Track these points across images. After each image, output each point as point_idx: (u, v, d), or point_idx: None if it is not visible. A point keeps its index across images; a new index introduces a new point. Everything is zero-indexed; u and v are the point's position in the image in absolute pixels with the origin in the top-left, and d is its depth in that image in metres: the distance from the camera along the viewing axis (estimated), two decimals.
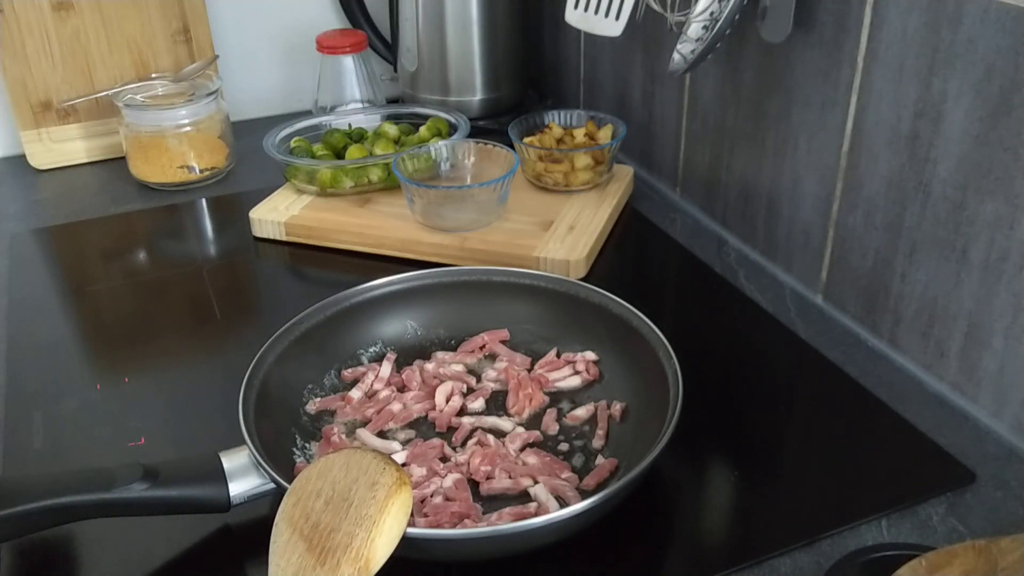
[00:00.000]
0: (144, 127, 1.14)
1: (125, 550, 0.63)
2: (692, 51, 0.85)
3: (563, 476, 0.66)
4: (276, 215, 1.03)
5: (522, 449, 0.69)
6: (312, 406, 0.73)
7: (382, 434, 0.71)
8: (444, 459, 0.69)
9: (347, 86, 1.29)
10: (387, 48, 1.39)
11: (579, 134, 1.08)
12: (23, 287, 0.96)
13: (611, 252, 0.99)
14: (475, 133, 1.14)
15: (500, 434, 0.71)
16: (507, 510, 0.63)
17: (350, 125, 1.16)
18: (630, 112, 1.17)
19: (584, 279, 0.91)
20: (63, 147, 1.24)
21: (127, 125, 1.15)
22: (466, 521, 0.62)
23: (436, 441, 0.70)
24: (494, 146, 1.03)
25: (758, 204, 0.95)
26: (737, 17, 0.80)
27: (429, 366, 0.78)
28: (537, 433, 0.71)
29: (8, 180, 1.23)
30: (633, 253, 1.01)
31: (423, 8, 1.26)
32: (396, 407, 0.73)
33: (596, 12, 0.91)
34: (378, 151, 1.08)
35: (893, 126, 0.75)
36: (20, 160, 1.25)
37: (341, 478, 0.53)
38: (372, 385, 0.76)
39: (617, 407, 0.72)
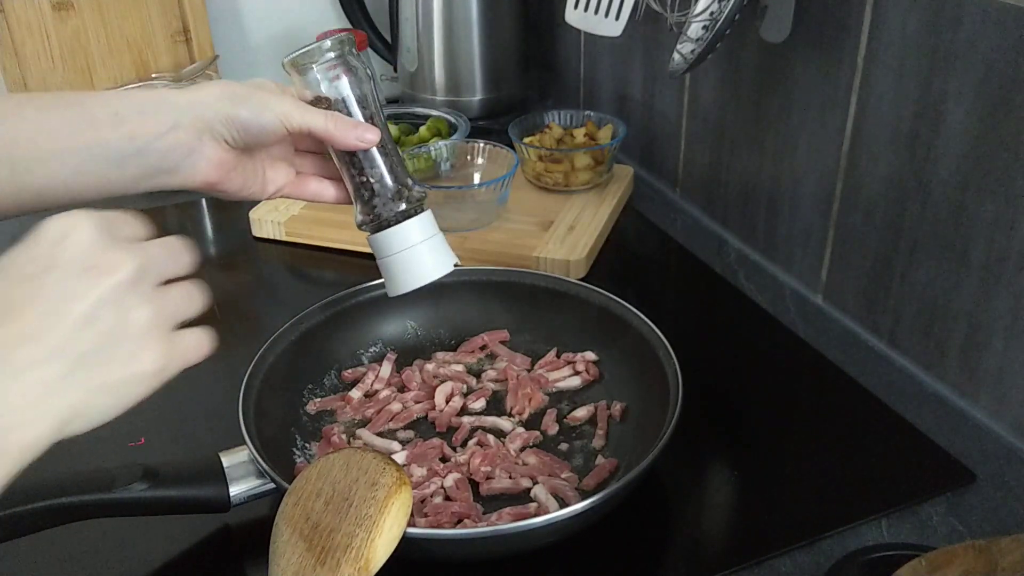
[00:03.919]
0: None
1: (125, 550, 0.63)
2: (692, 51, 0.85)
3: (563, 476, 0.66)
4: (276, 215, 1.03)
5: (522, 449, 0.69)
6: (312, 406, 0.73)
7: (382, 434, 0.71)
8: (444, 459, 0.69)
9: None
10: (387, 48, 1.39)
11: (579, 134, 1.08)
12: None
13: (611, 252, 0.99)
14: (475, 133, 1.14)
15: (500, 434, 0.71)
16: (507, 510, 0.63)
17: None
18: (630, 112, 1.17)
19: (584, 279, 0.90)
20: None
21: None
22: (466, 521, 0.62)
23: (436, 441, 0.70)
24: (494, 146, 1.03)
25: (758, 204, 0.95)
26: (737, 17, 0.80)
27: (429, 366, 0.78)
28: (537, 433, 0.71)
29: None
30: (633, 253, 1.01)
31: (423, 8, 1.26)
32: (396, 407, 0.73)
33: (596, 12, 0.91)
34: None
35: (893, 126, 0.75)
36: None
37: (341, 478, 0.53)
38: (372, 385, 0.76)
39: (617, 407, 0.72)
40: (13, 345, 0.37)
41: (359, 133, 0.58)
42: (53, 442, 0.39)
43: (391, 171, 0.61)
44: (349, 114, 0.60)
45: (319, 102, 0.60)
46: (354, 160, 0.60)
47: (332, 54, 0.60)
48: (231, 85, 0.58)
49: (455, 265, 0.62)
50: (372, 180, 0.60)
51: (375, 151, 0.60)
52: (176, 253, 0.45)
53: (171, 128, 0.54)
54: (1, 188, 0.51)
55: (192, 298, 0.45)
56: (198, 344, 0.45)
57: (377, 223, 0.61)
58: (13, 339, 0.37)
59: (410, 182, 0.62)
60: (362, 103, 0.60)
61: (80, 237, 0.40)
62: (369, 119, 0.60)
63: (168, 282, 0.44)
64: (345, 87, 0.60)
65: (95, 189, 0.54)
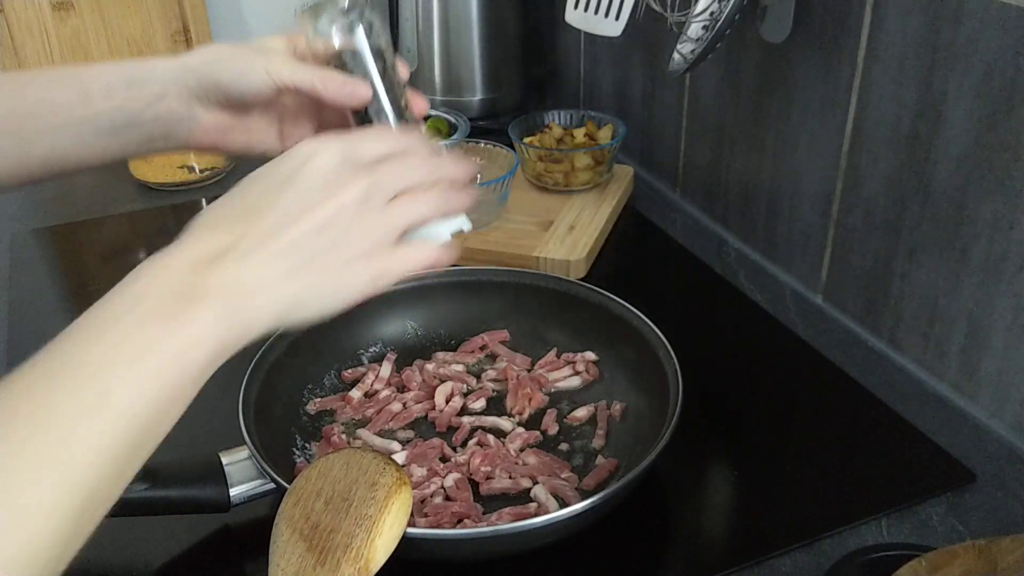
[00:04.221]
0: None
1: (125, 550, 0.63)
2: (692, 51, 0.85)
3: (563, 476, 0.66)
4: None
5: (522, 449, 0.69)
6: (312, 406, 0.74)
7: (382, 434, 0.71)
8: (444, 459, 0.69)
9: None
10: None
11: (579, 134, 1.08)
12: (23, 287, 0.96)
13: (611, 252, 0.99)
14: (475, 133, 1.14)
15: (500, 434, 0.71)
16: (507, 510, 0.63)
17: None
18: (630, 112, 1.17)
19: (584, 279, 0.91)
20: None
21: None
22: (466, 521, 0.62)
23: (436, 441, 0.70)
24: (494, 146, 1.03)
25: (758, 204, 0.95)
26: (737, 17, 0.80)
27: (429, 366, 0.78)
28: (537, 433, 0.71)
29: None
30: (633, 253, 1.01)
31: (423, 8, 1.26)
32: (396, 407, 0.73)
33: (596, 12, 0.91)
34: None
35: (893, 126, 0.75)
36: None
37: (341, 478, 0.53)
38: (372, 385, 0.76)
39: (617, 407, 0.72)
40: (253, 238, 0.44)
41: (350, 89, 0.57)
42: (275, 327, 0.46)
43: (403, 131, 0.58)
44: (364, 68, 0.57)
45: (332, 57, 0.58)
46: (365, 117, 0.58)
47: (346, 3, 0.57)
48: (220, 49, 0.58)
49: (465, 231, 0.61)
50: None
51: (387, 108, 0.58)
52: (410, 169, 0.50)
53: (158, 98, 0.56)
54: (10, 158, 0.55)
55: (418, 208, 0.50)
56: (416, 256, 0.50)
57: None
58: (254, 234, 0.45)
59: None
60: (377, 56, 0.58)
61: (323, 158, 0.47)
62: (383, 72, 0.58)
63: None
64: (360, 40, 0.57)
65: (96, 156, 0.57)
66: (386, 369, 0.77)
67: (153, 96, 0.56)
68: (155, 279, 0.43)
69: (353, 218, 0.47)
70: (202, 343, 0.42)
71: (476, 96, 1.31)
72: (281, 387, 0.71)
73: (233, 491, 0.61)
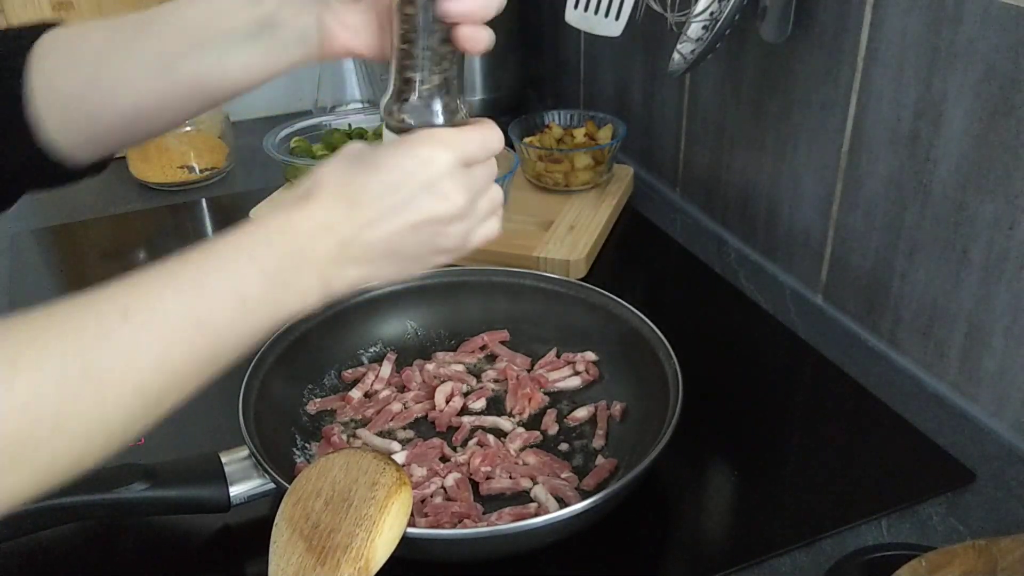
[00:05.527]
0: None
1: (125, 550, 0.63)
2: (692, 51, 0.85)
3: (563, 476, 0.66)
4: None
5: (522, 449, 0.69)
6: (312, 406, 0.74)
7: (382, 434, 0.71)
8: (444, 459, 0.69)
9: (347, 86, 1.29)
10: None
11: (579, 134, 1.08)
12: (23, 287, 0.96)
13: (611, 252, 0.99)
14: None
15: (500, 434, 0.71)
16: (507, 510, 0.63)
17: (350, 125, 1.16)
18: (630, 112, 1.17)
19: (584, 279, 0.90)
20: None
21: None
22: (466, 521, 0.62)
23: (436, 441, 0.70)
24: None
25: (758, 204, 0.95)
26: (737, 17, 0.80)
27: (429, 366, 0.78)
28: (537, 433, 0.71)
29: None
30: (633, 253, 1.01)
31: None
32: (396, 407, 0.73)
33: (596, 12, 0.90)
34: None
35: (893, 126, 0.75)
36: None
37: (341, 478, 0.53)
38: (372, 385, 0.76)
39: (617, 407, 0.72)
40: (360, 222, 0.49)
41: None
42: (355, 289, 0.51)
43: (443, 80, 0.54)
44: None
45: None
46: (409, 42, 0.53)
47: None
48: None
49: None
50: (419, 74, 0.53)
51: (435, 48, 0.53)
52: (493, 172, 0.54)
53: (276, 9, 0.55)
54: (160, 84, 0.55)
55: (493, 206, 0.55)
56: (481, 236, 0.55)
57: (400, 124, 0.55)
58: (363, 220, 0.49)
59: (462, 112, 0.54)
60: None
61: (437, 166, 0.50)
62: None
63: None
64: None
65: (241, 73, 0.56)
66: (386, 369, 0.77)
67: (271, 9, 0.55)
68: (280, 235, 0.48)
69: (449, 223, 0.52)
70: (299, 300, 0.48)
71: (476, 96, 1.31)
72: (281, 387, 0.71)
73: (233, 491, 0.61)
